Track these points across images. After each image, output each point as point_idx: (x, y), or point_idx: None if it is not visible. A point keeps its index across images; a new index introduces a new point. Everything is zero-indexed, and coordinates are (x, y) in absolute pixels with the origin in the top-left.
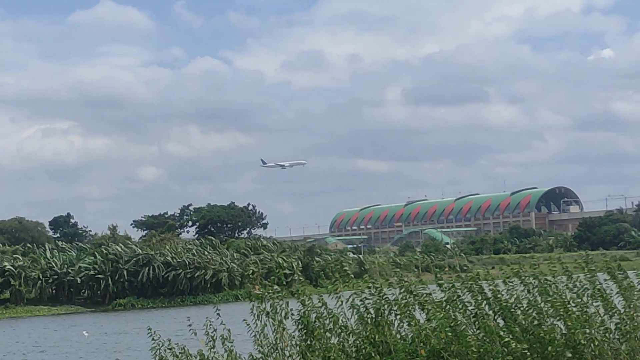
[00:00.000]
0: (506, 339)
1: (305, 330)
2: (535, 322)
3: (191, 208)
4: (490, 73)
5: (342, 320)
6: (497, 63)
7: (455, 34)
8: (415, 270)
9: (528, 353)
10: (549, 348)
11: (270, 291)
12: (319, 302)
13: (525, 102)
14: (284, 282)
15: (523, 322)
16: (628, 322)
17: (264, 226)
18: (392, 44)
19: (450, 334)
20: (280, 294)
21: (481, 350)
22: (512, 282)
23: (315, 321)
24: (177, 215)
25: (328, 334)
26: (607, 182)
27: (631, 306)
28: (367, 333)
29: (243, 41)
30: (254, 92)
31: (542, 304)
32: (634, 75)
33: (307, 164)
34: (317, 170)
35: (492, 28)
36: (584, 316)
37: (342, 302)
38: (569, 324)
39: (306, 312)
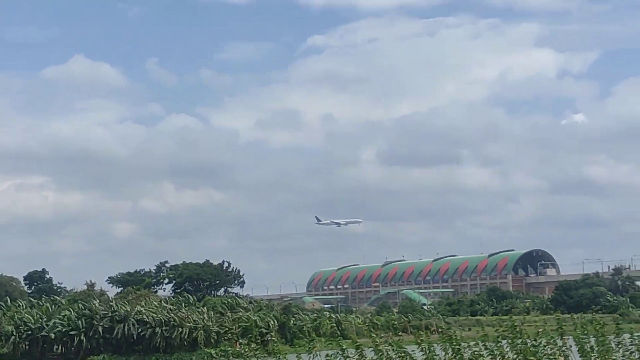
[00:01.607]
0: None
1: None
2: None
3: (167, 265)
4: (465, 135)
5: None
6: (471, 125)
7: (430, 96)
8: (392, 330)
9: None
10: None
11: (247, 350)
12: None
13: (500, 164)
14: (261, 341)
15: None
16: None
17: (241, 284)
18: (366, 105)
19: None
20: (257, 353)
21: None
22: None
23: None
24: (153, 272)
25: None
26: (583, 246)
27: None
28: None
29: (220, 98)
30: (229, 149)
31: None
32: (606, 139)
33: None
34: (293, 229)
35: (466, 91)
36: None
37: None
38: None
39: None
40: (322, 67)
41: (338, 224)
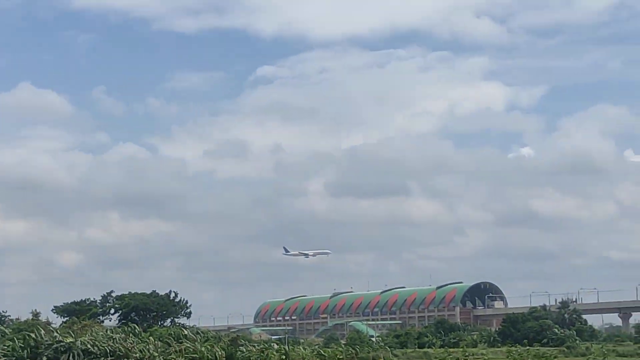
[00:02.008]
0: None
1: None
2: None
3: (113, 295)
4: (413, 167)
5: None
6: (420, 157)
7: (379, 127)
8: None
9: None
10: None
11: None
12: None
13: (447, 197)
14: None
15: None
16: None
17: (188, 315)
18: (316, 136)
19: None
20: None
21: None
22: None
23: None
24: (99, 302)
25: None
26: (530, 279)
27: None
28: None
29: (168, 128)
30: (176, 179)
31: None
32: (552, 173)
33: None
34: (241, 259)
35: (415, 123)
36: None
37: None
38: None
39: None
40: (271, 98)
41: (306, 255)
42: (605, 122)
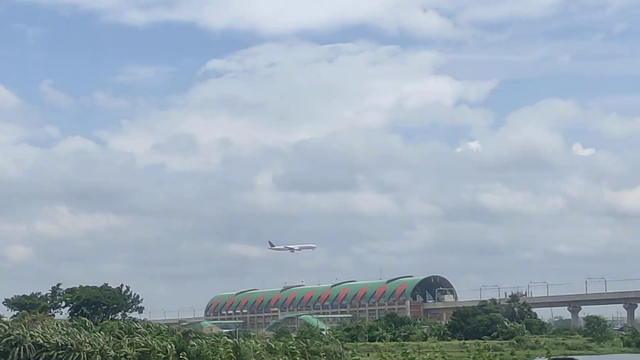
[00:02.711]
0: None
1: None
2: None
3: (62, 288)
4: (361, 161)
5: None
6: (368, 152)
7: (328, 121)
8: (290, 356)
9: None
10: None
11: None
12: None
13: (396, 191)
14: None
15: None
16: None
17: (139, 309)
18: (264, 130)
19: None
20: None
21: None
22: None
23: None
24: (49, 295)
25: None
26: (480, 272)
27: None
28: None
29: (117, 122)
30: (125, 173)
31: None
32: (500, 168)
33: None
34: (191, 254)
35: (364, 117)
36: None
37: None
38: None
39: None
40: (221, 92)
41: (292, 250)
42: (553, 116)
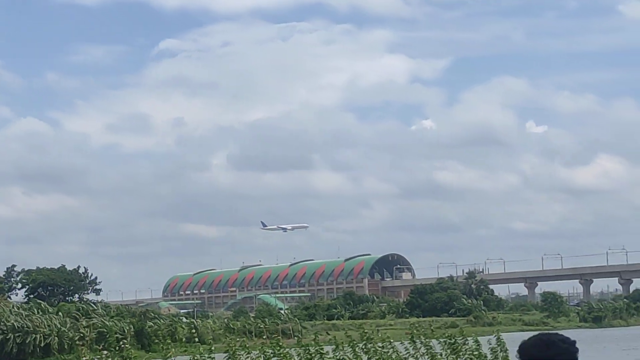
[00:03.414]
0: None
1: None
2: None
3: (17, 269)
4: (316, 140)
5: None
6: (323, 130)
7: (282, 100)
8: (249, 335)
9: None
10: None
11: (99, 356)
12: None
13: (351, 169)
14: (116, 347)
15: None
16: None
17: (96, 291)
18: (219, 109)
19: None
20: (111, 359)
21: None
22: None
23: None
24: (4, 277)
25: None
26: (437, 250)
27: None
28: None
29: (70, 102)
30: (80, 154)
31: None
32: (454, 145)
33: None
34: (147, 234)
35: (318, 96)
36: None
37: None
38: None
39: None
40: (174, 71)
41: (284, 229)
42: (507, 94)
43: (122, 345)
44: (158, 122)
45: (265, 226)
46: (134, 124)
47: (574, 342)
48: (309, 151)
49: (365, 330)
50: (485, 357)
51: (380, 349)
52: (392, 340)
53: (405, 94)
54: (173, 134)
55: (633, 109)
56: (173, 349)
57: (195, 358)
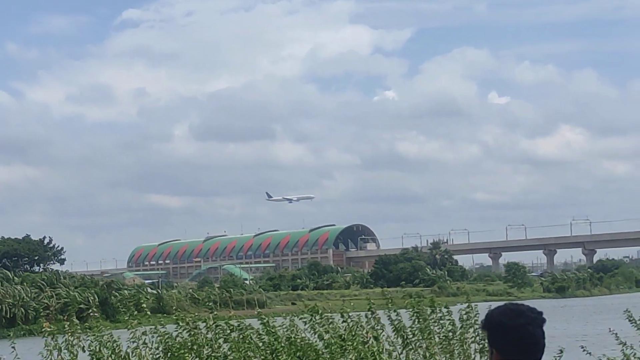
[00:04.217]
0: None
1: None
2: None
3: None
4: (278, 111)
5: (136, 356)
6: (285, 101)
7: (244, 71)
8: (214, 305)
9: None
10: None
11: (63, 326)
12: (116, 337)
13: (313, 140)
14: (80, 317)
15: None
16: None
17: (61, 261)
18: (181, 80)
19: None
20: (74, 329)
21: None
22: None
23: (109, 357)
24: None
25: None
26: (401, 221)
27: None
28: None
29: (33, 73)
30: (42, 125)
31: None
32: (416, 116)
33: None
34: (110, 204)
35: (281, 67)
36: (381, 355)
37: (139, 337)
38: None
39: (99, 348)
40: (137, 41)
41: (290, 200)
42: (468, 65)
43: (87, 315)
44: (120, 93)
45: (271, 197)
46: (96, 94)
47: (541, 312)
48: (270, 122)
49: (329, 299)
50: (455, 324)
51: (346, 320)
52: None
53: (367, 65)
54: (135, 105)
55: (594, 80)
56: (138, 320)
57: (160, 328)
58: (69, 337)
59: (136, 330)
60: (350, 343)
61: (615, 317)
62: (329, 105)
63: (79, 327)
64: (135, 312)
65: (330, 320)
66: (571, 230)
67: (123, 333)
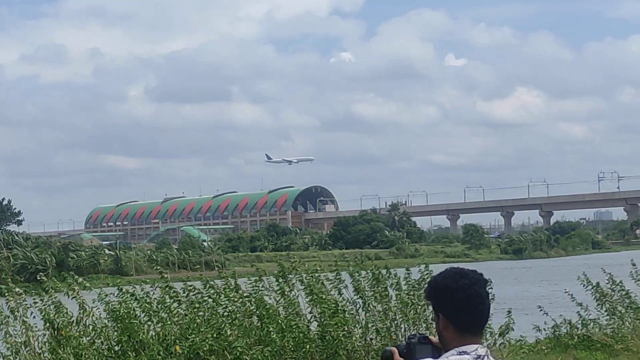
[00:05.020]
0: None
1: (52, 329)
2: (293, 322)
3: None
4: (235, 72)
5: (93, 317)
6: (241, 63)
7: (200, 32)
8: (172, 267)
9: (284, 351)
10: (307, 346)
11: (17, 288)
12: (72, 298)
13: (270, 102)
14: (37, 278)
15: (280, 321)
16: (385, 319)
17: (18, 222)
18: (136, 41)
19: (209, 331)
20: (29, 291)
21: (239, 347)
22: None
23: (61, 320)
24: None
25: (77, 332)
26: (360, 183)
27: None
28: (120, 330)
29: None
30: None
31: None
32: (373, 78)
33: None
34: (66, 165)
35: (237, 27)
36: (340, 315)
37: (95, 299)
38: (325, 321)
39: (53, 310)
40: (91, 1)
41: (289, 162)
42: (425, 27)
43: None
44: (75, 53)
45: (270, 159)
46: (50, 54)
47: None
48: (227, 83)
49: (290, 260)
50: (413, 286)
51: (308, 280)
52: (318, 270)
53: (324, 27)
54: (90, 65)
55: (551, 42)
56: (96, 281)
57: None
58: (23, 299)
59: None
60: (315, 297)
61: (571, 279)
62: (287, 67)
63: (33, 289)
64: (93, 274)
65: (297, 279)
66: (529, 192)
67: (86, 295)
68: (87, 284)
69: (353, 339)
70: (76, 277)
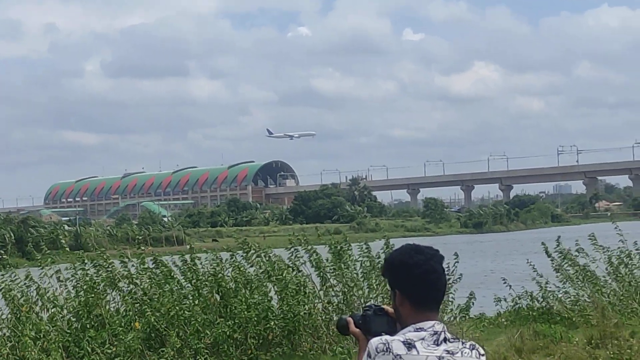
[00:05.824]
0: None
1: (11, 305)
2: (254, 298)
3: None
4: (192, 47)
5: (53, 294)
6: (199, 38)
7: (157, 7)
8: (132, 242)
9: (247, 326)
10: (271, 322)
11: None
12: (29, 275)
13: (229, 77)
14: None
15: (241, 298)
16: (347, 295)
17: None
18: (93, 16)
19: (169, 307)
20: None
21: (200, 323)
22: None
23: (21, 296)
24: None
25: (37, 309)
26: (320, 157)
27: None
28: (80, 306)
29: None
30: None
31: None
32: (331, 52)
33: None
34: (24, 141)
35: (194, 2)
36: (301, 294)
37: (55, 275)
38: (285, 297)
39: (9, 287)
40: None
41: (291, 137)
42: (382, 1)
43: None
44: (30, 28)
45: (272, 134)
46: (5, 29)
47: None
48: (185, 58)
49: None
50: (374, 260)
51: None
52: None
53: (280, 1)
54: (46, 40)
55: (507, 16)
56: (56, 257)
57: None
58: None
59: (54, 268)
60: (275, 274)
61: (531, 252)
62: (244, 42)
63: None
64: (52, 250)
65: (257, 254)
66: (488, 166)
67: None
68: (52, 258)
69: (313, 317)
70: (40, 252)
